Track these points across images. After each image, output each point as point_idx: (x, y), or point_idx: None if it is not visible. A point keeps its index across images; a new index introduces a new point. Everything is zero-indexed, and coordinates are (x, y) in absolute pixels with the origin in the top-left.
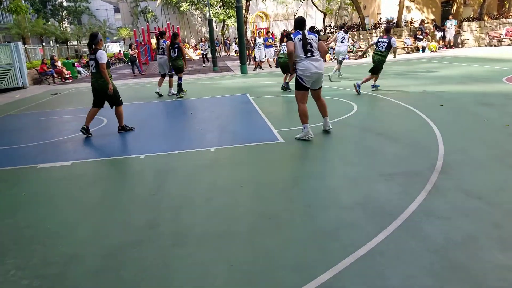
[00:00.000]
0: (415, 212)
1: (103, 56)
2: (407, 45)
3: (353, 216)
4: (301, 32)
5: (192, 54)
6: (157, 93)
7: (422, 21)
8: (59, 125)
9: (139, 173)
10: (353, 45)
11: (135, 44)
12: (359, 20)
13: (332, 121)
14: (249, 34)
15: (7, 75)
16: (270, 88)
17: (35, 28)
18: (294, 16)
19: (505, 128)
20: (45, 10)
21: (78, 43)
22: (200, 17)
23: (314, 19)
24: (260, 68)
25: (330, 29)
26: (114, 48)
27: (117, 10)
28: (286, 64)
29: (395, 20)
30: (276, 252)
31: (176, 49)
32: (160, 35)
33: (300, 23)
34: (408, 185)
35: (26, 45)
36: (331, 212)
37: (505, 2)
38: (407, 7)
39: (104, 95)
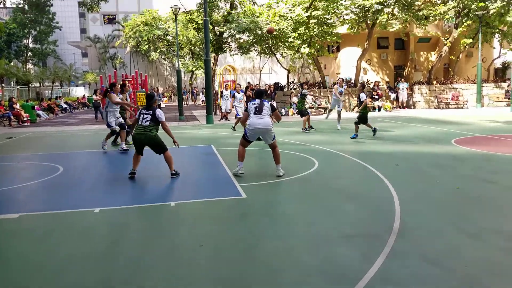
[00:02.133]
0: (374, 278)
1: (162, 115)
2: None
3: (314, 280)
4: (257, 100)
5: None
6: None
7: (377, 82)
8: (10, 172)
9: (93, 229)
10: (314, 101)
11: (100, 90)
12: (319, 79)
13: (295, 176)
14: (216, 86)
15: None
16: (236, 139)
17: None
18: (260, 70)
19: (456, 190)
20: (9, 50)
21: (40, 85)
22: (169, 66)
23: (279, 75)
24: (226, 119)
25: (293, 86)
26: (79, 92)
27: (85, 55)
28: (303, 109)
29: (353, 80)
30: None
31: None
32: (121, 86)
33: (259, 93)
34: (367, 247)
35: None
36: (292, 275)
37: (449, 69)
38: (364, 68)
39: (151, 145)
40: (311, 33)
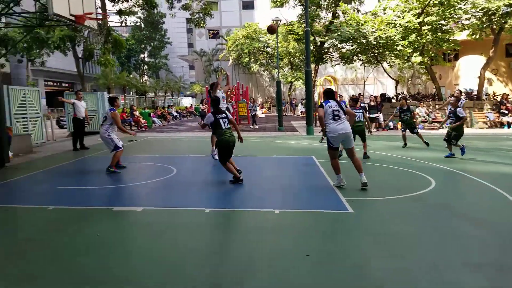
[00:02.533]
0: None
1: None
2: (489, 119)
3: None
4: (331, 101)
5: (258, 112)
6: None
7: (506, 95)
8: (133, 171)
9: (203, 227)
10: (428, 115)
11: (206, 100)
12: (434, 90)
13: (408, 194)
14: (316, 97)
15: (91, 120)
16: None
17: (119, 80)
18: (364, 81)
19: None
20: (128, 64)
21: (154, 95)
22: (268, 78)
23: (385, 86)
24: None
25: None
26: (186, 102)
27: (192, 67)
28: (362, 131)
29: (475, 92)
30: None
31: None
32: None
33: (327, 93)
34: (500, 281)
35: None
36: None
37: None
38: (489, 79)
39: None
40: (424, 41)
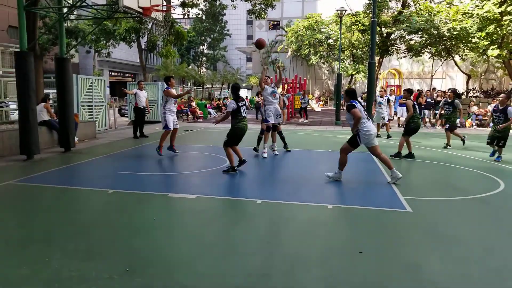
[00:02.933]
0: None
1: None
2: None
3: None
4: (357, 101)
5: (315, 105)
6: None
7: None
8: (188, 159)
9: (255, 218)
10: None
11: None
12: (511, 86)
13: (473, 196)
14: (377, 91)
15: (151, 109)
16: (397, 149)
17: (179, 71)
18: (432, 75)
19: None
20: (188, 55)
21: (211, 87)
22: (327, 70)
23: (455, 81)
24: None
25: (473, 93)
26: (242, 93)
27: (249, 59)
28: (418, 128)
29: None
30: None
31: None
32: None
33: (352, 93)
34: None
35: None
36: None
37: None
38: None
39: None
40: (504, 32)
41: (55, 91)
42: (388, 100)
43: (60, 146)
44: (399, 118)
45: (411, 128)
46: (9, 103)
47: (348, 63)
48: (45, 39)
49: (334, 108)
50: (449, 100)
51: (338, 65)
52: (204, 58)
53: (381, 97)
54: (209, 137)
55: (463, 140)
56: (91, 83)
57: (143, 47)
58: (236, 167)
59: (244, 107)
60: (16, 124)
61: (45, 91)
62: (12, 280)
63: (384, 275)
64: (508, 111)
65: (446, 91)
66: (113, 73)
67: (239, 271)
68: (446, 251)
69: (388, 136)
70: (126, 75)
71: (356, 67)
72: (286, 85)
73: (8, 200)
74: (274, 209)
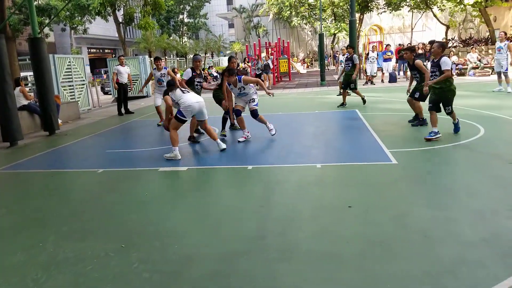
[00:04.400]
0: None
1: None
2: None
3: (477, 253)
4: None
5: (300, 67)
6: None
7: None
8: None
9: (247, 184)
10: (479, 60)
11: (247, 59)
12: (487, 33)
13: (455, 143)
14: (360, 48)
15: (134, 85)
16: (382, 104)
17: (160, 43)
18: (412, 29)
19: None
20: (168, 26)
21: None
22: (310, 31)
23: (434, 32)
24: (372, 83)
25: (452, 43)
26: (225, 61)
27: (231, 26)
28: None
29: None
30: (387, 283)
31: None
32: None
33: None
34: None
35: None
36: (452, 246)
37: None
38: None
39: None
40: None
41: (32, 73)
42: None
43: (44, 130)
44: (383, 73)
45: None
46: None
47: (330, 22)
48: (16, 19)
49: (319, 69)
50: (348, 56)
51: (320, 25)
52: (185, 27)
53: (343, 55)
54: None
55: (363, 100)
56: (69, 62)
57: (120, 20)
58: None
59: (199, 84)
60: None
61: (22, 74)
62: (8, 267)
63: (373, 226)
64: (442, 62)
65: (425, 43)
66: (92, 50)
67: (235, 236)
68: (431, 198)
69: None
70: (106, 51)
71: (338, 26)
72: (270, 49)
73: None
74: (265, 173)
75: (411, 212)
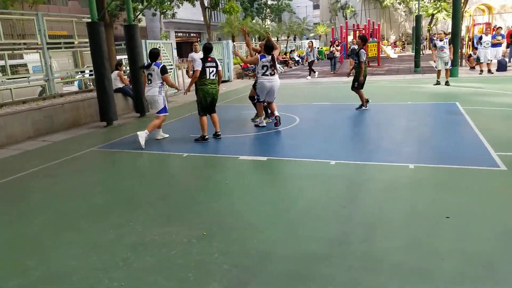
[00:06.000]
0: None
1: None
2: None
3: None
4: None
5: (390, 51)
6: None
7: None
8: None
9: (330, 180)
10: None
11: (337, 42)
12: None
13: None
14: (463, 31)
15: None
16: (488, 97)
17: (243, 27)
18: None
19: None
20: (251, 9)
21: (277, 40)
22: (404, 11)
23: None
24: (489, 71)
25: None
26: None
27: (316, 7)
28: None
29: None
30: None
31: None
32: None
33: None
34: None
35: (234, 43)
36: None
37: None
38: None
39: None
40: None
41: (126, 57)
42: (450, 43)
43: (135, 112)
44: (490, 61)
45: None
46: (86, 72)
47: (428, 1)
48: (113, 5)
49: (413, 54)
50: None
51: (417, 4)
52: (268, 9)
53: (440, 40)
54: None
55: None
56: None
57: (206, 4)
58: (207, 137)
59: (214, 69)
60: (94, 92)
61: (118, 57)
62: (101, 244)
63: (474, 242)
64: (360, 54)
65: None
66: (179, 34)
67: (315, 237)
68: None
69: (447, 83)
70: (192, 35)
71: (438, 5)
72: (358, 32)
73: (92, 166)
74: (350, 170)
75: None
